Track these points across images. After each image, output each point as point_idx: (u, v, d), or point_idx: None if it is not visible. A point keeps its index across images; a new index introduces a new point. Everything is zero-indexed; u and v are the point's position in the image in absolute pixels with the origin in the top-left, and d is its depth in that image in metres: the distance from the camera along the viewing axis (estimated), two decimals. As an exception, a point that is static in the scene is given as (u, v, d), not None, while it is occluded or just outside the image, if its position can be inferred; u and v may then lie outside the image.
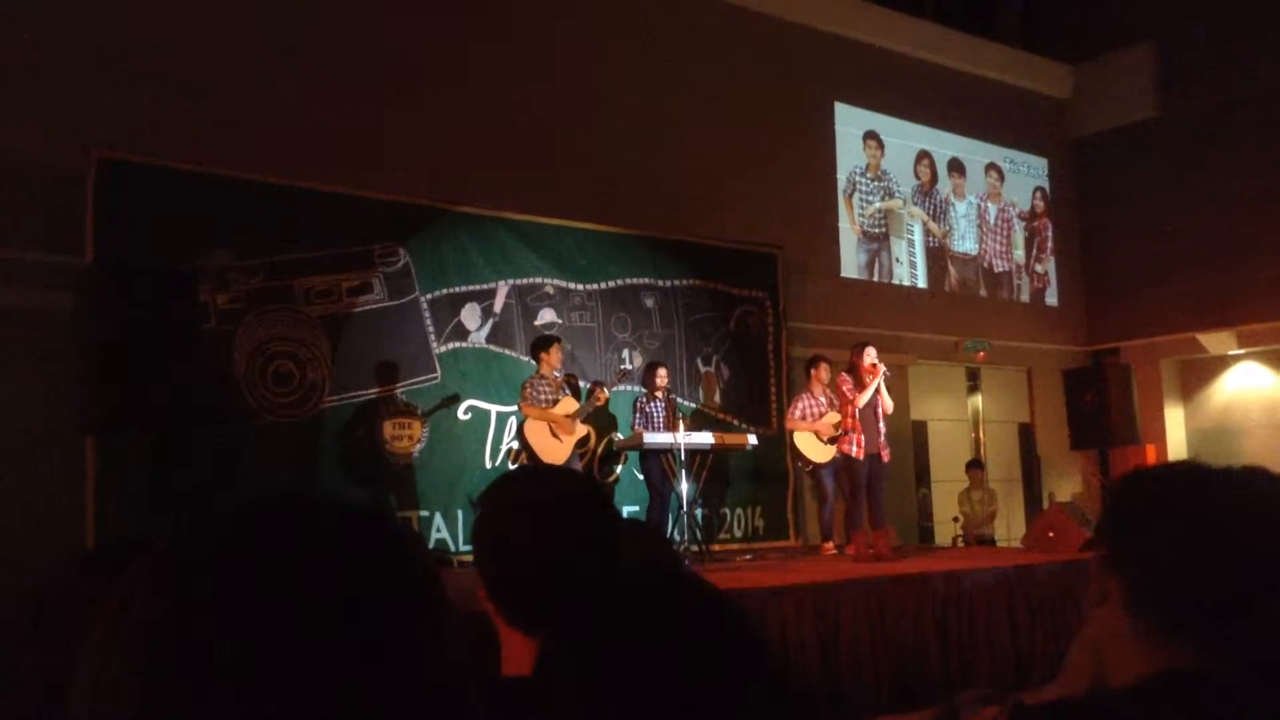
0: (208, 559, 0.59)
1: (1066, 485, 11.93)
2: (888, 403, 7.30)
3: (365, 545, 0.62)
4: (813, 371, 8.09)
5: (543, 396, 7.06)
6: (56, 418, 5.89)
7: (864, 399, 7.17)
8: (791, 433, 8.11)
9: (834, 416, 7.74)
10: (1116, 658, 1.13)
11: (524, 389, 7.09)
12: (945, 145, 12.01)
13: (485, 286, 7.99)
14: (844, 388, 7.29)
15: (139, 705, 0.54)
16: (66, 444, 6.01)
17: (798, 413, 8.03)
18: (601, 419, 8.04)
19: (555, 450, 7.00)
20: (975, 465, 10.84)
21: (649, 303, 8.82)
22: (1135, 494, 1.20)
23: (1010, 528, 11.54)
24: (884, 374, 7.22)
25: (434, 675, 0.60)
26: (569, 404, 7.19)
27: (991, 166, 12.49)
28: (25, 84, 6.61)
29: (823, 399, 7.96)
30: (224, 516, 0.63)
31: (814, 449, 7.89)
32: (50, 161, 6.48)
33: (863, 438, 7.14)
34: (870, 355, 7.23)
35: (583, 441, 7.56)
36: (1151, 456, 11.31)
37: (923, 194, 11.79)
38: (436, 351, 7.69)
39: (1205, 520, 1.10)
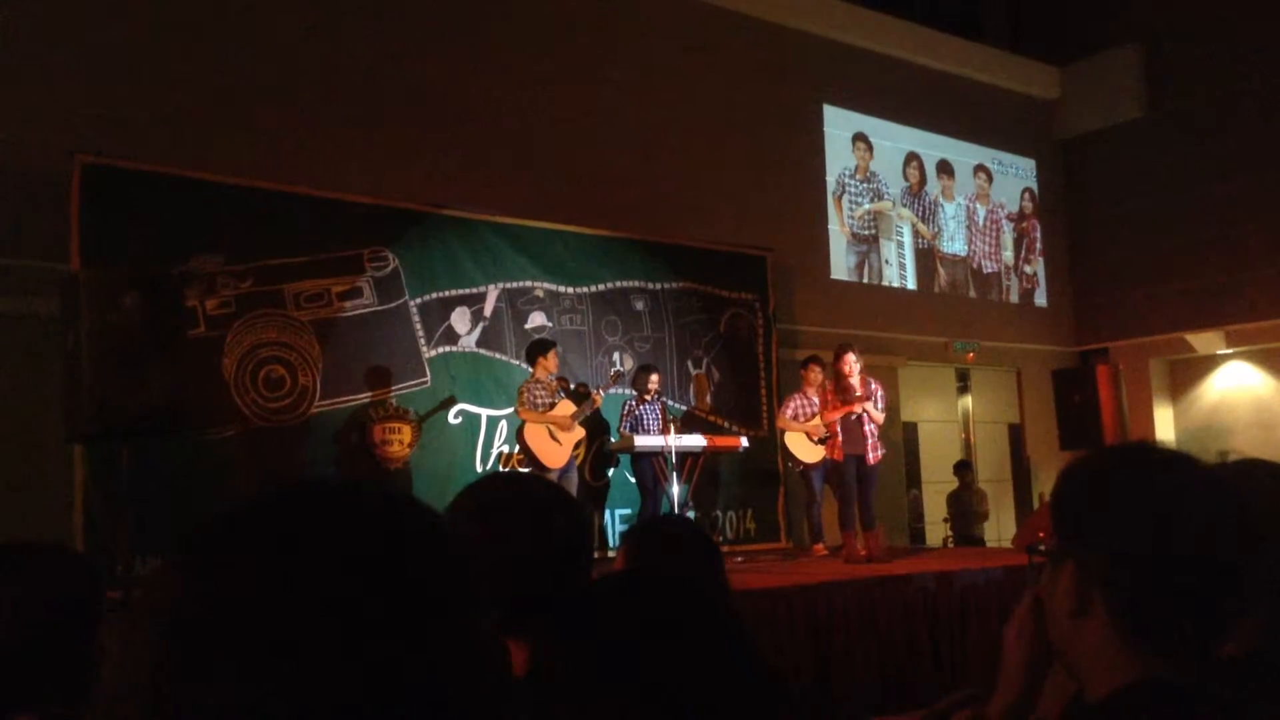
0: (247, 553, 0.54)
1: (1056, 485, 11.94)
2: (878, 416, 7.24)
3: (423, 538, 0.58)
4: (803, 372, 8.12)
5: (539, 400, 7.10)
6: (44, 425, 5.85)
7: (838, 415, 7.13)
8: (783, 432, 8.12)
9: None
10: (1096, 670, 1.06)
11: (520, 393, 7.12)
12: (934, 147, 12.04)
13: (475, 290, 7.98)
14: (826, 392, 7.32)
15: (172, 708, 0.50)
16: (54, 451, 5.97)
17: (789, 412, 8.05)
18: (593, 422, 8.04)
19: (554, 453, 7.03)
20: (963, 466, 10.87)
21: (639, 305, 8.82)
22: (1106, 495, 1.11)
23: (1000, 529, 11.58)
24: (878, 397, 7.19)
25: (481, 676, 0.56)
26: (566, 407, 7.21)
27: (980, 168, 12.53)
28: (9, 89, 6.57)
29: (815, 399, 7.95)
30: (260, 506, 0.57)
31: (804, 449, 7.89)
32: (35, 167, 6.45)
33: (840, 440, 7.13)
34: (849, 361, 7.18)
35: (578, 444, 7.56)
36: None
37: (912, 196, 11.82)
38: (426, 355, 7.67)
39: (1193, 520, 1.04)
